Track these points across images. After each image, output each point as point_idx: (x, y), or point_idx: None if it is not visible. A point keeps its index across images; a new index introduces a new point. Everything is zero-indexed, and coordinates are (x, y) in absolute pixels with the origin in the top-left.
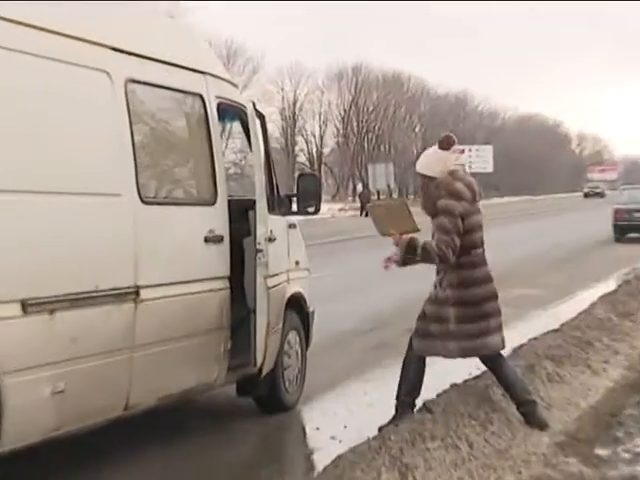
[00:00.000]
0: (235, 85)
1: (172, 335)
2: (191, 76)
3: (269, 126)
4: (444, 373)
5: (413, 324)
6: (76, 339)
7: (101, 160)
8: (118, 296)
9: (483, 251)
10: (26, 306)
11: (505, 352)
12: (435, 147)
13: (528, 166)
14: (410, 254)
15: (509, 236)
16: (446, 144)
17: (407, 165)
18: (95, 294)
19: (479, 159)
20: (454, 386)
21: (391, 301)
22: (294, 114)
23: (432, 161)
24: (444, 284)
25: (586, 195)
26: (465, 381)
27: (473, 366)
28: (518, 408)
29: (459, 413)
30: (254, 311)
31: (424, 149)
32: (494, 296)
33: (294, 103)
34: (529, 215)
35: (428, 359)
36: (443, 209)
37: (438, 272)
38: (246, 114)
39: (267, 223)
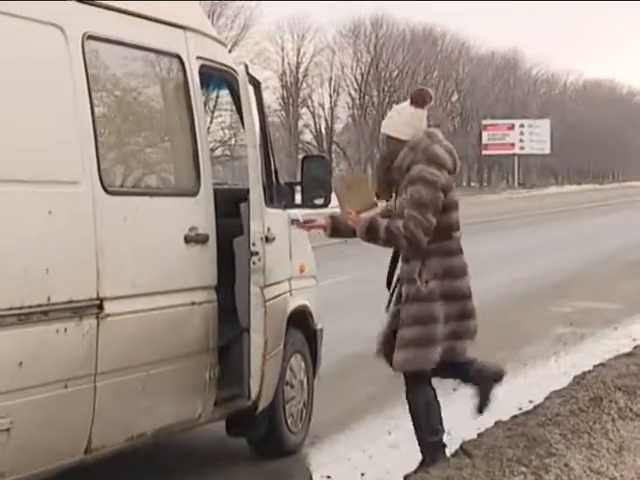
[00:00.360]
0: (223, 43)
1: (144, 360)
2: (167, 31)
3: (265, 95)
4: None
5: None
6: (24, 365)
7: (53, 139)
8: (76, 310)
9: (460, 236)
10: None
11: (566, 382)
12: (406, 103)
13: (595, 146)
14: (371, 238)
15: (570, 235)
16: (421, 100)
17: None
18: (47, 308)
19: (533, 137)
20: (499, 423)
21: None
22: (297, 80)
23: (403, 121)
24: (424, 276)
25: None
26: (513, 417)
27: (523, 399)
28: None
29: (505, 458)
30: (247, 330)
31: (462, 124)
32: (471, 292)
33: (297, 66)
34: (595, 208)
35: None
36: (420, 177)
37: (408, 261)
38: (237, 80)
39: (264, 218)
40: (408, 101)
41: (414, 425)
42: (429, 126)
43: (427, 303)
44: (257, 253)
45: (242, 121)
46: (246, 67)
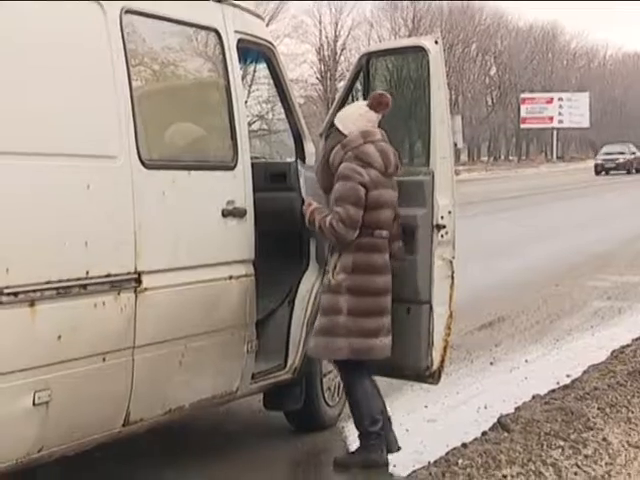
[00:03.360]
0: (260, 17)
1: (182, 333)
2: (204, 6)
3: (303, 69)
4: (524, 382)
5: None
6: (63, 338)
7: (91, 114)
8: (114, 284)
9: (388, 235)
10: None
11: (603, 356)
12: (364, 103)
13: (634, 119)
14: (313, 229)
15: (609, 208)
16: (376, 104)
17: (480, 119)
18: (85, 282)
19: (571, 110)
20: (537, 397)
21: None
22: (335, 54)
23: (352, 117)
24: (337, 268)
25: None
26: (551, 391)
27: (561, 373)
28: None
29: (543, 432)
30: (428, 302)
31: (500, 97)
32: (390, 290)
33: (335, 40)
34: (634, 182)
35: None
36: (342, 174)
37: (332, 252)
38: (275, 54)
39: (453, 191)
40: (367, 101)
41: (352, 413)
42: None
43: (334, 295)
44: (444, 226)
45: (280, 95)
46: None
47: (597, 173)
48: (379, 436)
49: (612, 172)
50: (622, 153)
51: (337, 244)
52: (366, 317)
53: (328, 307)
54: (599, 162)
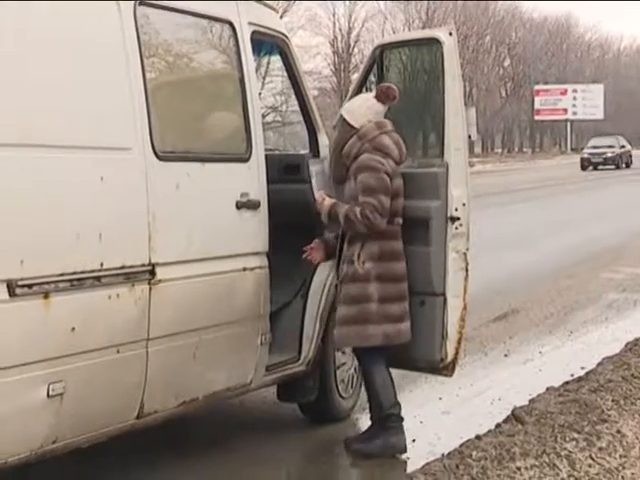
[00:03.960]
0: (274, 9)
1: (196, 325)
2: None
3: (317, 61)
4: (538, 374)
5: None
6: (77, 330)
7: (105, 106)
8: (129, 276)
9: (401, 222)
10: (13, 288)
11: (618, 348)
12: (370, 95)
13: None
14: (332, 223)
15: (623, 200)
16: (384, 97)
17: (494, 111)
18: (99, 274)
19: (586, 102)
20: (551, 390)
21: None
22: (349, 46)
23: (360, 109)
24: (362, 257)
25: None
26: (565, 383)
27: (575, 365)
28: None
29: (557, 424)
30: (442, 294)
31: (514, 89)
32: (406, 276)
33: (349, 32)
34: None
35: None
36: (367, 165)
37: (351, 242)
38: (288, 46)
39: (468, 184)
40: (374, 93)
41: (370, 402)
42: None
43: (362, 283)
44: (458, 218)
45: (294, 87)
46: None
47: (583, 168)
48: (399, 418)
49: (600, 167)
50: (611, 147)
51: (360, 235)
52: (393, 303)
53: (358, 296)
54: (585, 156)
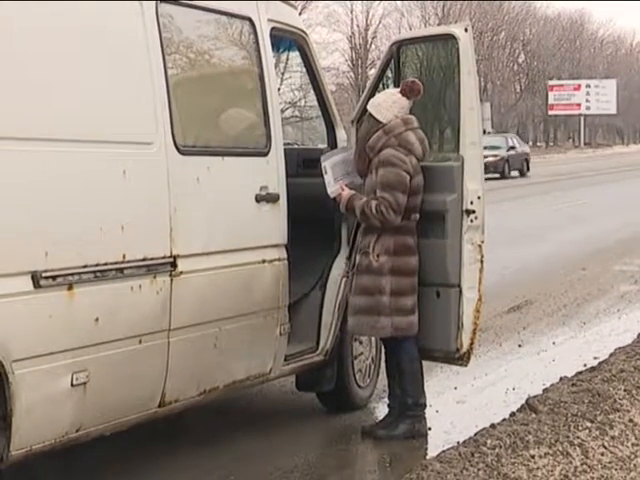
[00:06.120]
0: (293, 6)
1: (216, 316)
2: None
3: (334, 57)
4: (552, 364)
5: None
6: (100, 321)
7: (127, 101)
8: (150, 268)
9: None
10: (38, 280)
11: (630, 338)
12: (396, 90)
13: None
14: (350, 214)
15: (637, 194)
16: (409, 91)
17: (509, 106)
18: (122, 266)
19: (599, 97)
20: (564, 379)
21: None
22: (366, 42)
23: (386, 104)
24: (377, 250)
25: None
26: (578, 373)
27: (588, 355)
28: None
29: (570, 413)
30: (457, 286)
31: (528, 84)
32: (418, 269)
33: (366, 29)
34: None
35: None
36: (388, 161)
37: (365, 233)
38: (307, 43)
39: (482, 178)
40: (399, 88)
41: (406, 388)
42: (412, 113)
43: (376, 276)
44: (474, 211)
45: (313, 83)
46: (465, 29)
47: None
48: (425, 408)
49: None
50: (496, 148)
51: (375, 227)
52: (404, 296)
53: (372, 287)
54: None
